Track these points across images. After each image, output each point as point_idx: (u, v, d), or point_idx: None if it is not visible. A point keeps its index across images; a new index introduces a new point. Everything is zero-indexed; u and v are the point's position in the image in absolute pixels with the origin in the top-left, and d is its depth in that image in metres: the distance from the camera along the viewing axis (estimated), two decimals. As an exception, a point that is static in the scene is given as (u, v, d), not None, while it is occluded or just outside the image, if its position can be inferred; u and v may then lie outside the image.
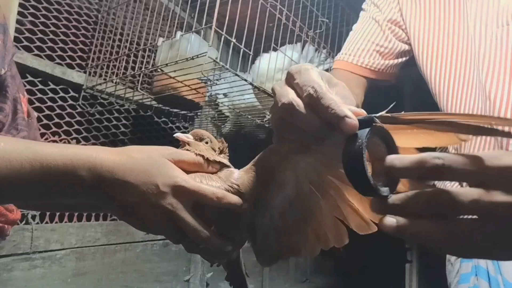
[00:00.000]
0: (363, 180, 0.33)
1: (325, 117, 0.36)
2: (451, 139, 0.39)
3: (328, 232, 0.49)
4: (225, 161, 0.51)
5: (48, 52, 1.27)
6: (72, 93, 1.33)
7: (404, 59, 0.93)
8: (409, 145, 0.40)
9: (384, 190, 0.33)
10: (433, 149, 0.35)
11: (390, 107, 0.36)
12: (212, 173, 0.49)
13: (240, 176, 0.48)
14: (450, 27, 0.82)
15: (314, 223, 0.50)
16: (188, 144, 0.50)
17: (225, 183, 0.47)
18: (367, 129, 0.34)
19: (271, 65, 1.32)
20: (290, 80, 0.40)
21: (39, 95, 1.23)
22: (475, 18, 0.76)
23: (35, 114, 0.97)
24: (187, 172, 0.46)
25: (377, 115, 0.35)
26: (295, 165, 0.48)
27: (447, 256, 0.86)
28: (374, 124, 0.35)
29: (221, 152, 0.52)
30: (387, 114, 0.36)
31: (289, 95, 0.38)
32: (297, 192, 0.49)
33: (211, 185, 0.46)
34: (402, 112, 0.36)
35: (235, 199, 0.46)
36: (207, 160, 0.48)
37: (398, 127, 0.37)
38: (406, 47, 0.91)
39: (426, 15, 0.86)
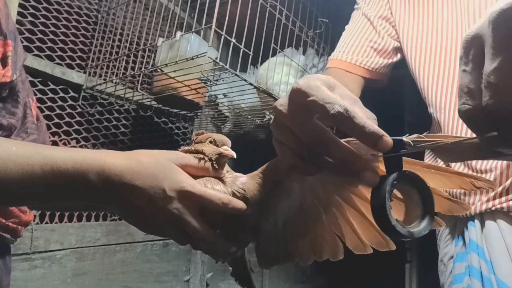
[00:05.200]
0: (386, 224, 0.36)
1: (359, 136, 0.37)
2: (466, 184, 0.43)
3: (325, 245, 0.50)
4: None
5: (48, 52, 1.27)
6: (72, 93, 1.33)
7: (396, 58, 0.94)
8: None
9: (405, 232, 0.36)
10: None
11: (426, 133, 0.38)
12: (219, 177, 0.49)
13: (246, 181, 0.49)
14: (439, 23, 0.83)
15: (313, 234, 0.51)
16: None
17: (231, 188, 0.47)
18: (393, 176, 0.37)
19: (275, 68, 1.32)
20: (301, 97, 0.38)
21: (39, 95, 1.23)
22: (468, 12, 0.77)
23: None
24: (194, 176, 0.47)
25: (405, 137, 0.37)
26: (303, 178, 0.49)
27: (440, 256, 0.87)
28: (401, 171, 0.37)
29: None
30: (414, 135, 0.37)
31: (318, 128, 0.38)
32: (301, 203, 0.50)
33: (217, 190, 0.46)
34: (425, 133, 0.38)
35: (240, 204, 0.46)
36: (204, 159, 0.48)
37: (416, 166, 0.41)
38: (397, 44, 0.92)
39: (415, 11, 0.87)
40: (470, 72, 0.32)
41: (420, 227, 0.38)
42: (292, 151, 0.41)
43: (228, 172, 0.51)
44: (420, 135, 0.37)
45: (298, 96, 0.38)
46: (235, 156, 0.49)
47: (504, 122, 0.30)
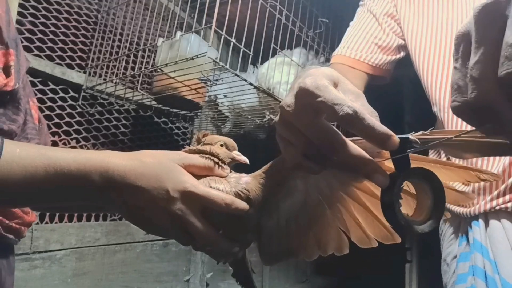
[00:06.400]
0: (397, 223, 0.38)
1: (368, 137, 0.37)
2: (471, 177, 0.44)
3: (330, 240, 0.51)
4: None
5: (48, 52, 1.27)
6: (72, 93, 1.33)
7: (400, 55, 0.94)
8: None
9: (420, 228, 0.38)
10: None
11: (431, 128, 0.39)
12: (222, 176, 0.49)
13: (249, 181, 0.49)
14: (443, 21, 0.83)
15: (317, 229, 0.51)
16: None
17: (234, 188, 0.48)
18: (402, 177, 0.38)
19: (275, 68, 1.32)
20: (308, 98, 0.37)
21: (39, 95, 1.23)
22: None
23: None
24: (197, 176, 0.47)
25: (410, 135, 0.38)
26: (307, 175, 0.49)
27: (443, 256, 0.87)
28: (409, 168, 0.39)
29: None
30: (419, 133, 0.38)
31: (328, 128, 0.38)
32: (304, 200, 0.50)
33: (220, 190, 0.46)
34: (430, 130, 0.38)
35: (243, 205, 0.47)
36: (218, 163, 0.49)
37: (422, 162, 0.42)
38: (402, 42, 0.92)
39: (421, 9, 0.87)
40: (459, 68, 0.32)
41: (430, 222, 0.39)
42: (298, 149, 0.41)
43: (231, 172, 0.51)
44: (425, 132, 0.38)
45: (305, 96, 0.38)
46: (248, 162, 0.49)
47: (488, 116, 0.30)
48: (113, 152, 0.46)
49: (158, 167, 0.44)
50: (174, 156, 0.47)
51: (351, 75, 0.89)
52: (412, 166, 0.38)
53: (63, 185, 0.43)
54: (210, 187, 0.46)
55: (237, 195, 0.47)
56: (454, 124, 0.78)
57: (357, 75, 0.91)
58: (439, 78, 0.81)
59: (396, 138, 0.36)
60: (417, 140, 0.37)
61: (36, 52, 1.23)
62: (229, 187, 0.47)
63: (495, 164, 0.72)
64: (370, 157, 0.39)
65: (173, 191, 0.44)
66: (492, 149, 0.37)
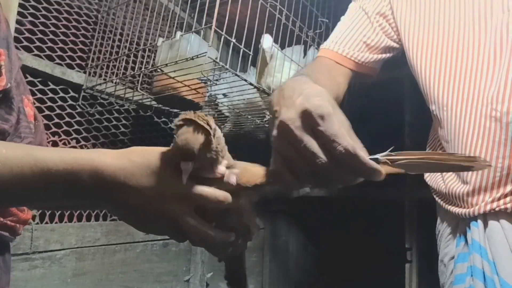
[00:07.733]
0: None
1: (358, 171, 0.43)
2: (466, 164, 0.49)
3: None
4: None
5: (48, 52, 1.27)
6: (72, 93, 1.33)
7: (387, 55, 0.94)
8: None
9: None
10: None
11: (390, 149, 0.46)
12: (215, 173, 0.49)
13: (239, 175, 0.48)
14: (440, 18, 0.82)
15: None
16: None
17: (225, 187, 0.47)
18: None
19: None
20: (312, 123, 0.42)
21: (38, 95, 1.23)
22: (473, 8, 0.76)
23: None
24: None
25: (379, 155, 0.45)
26: None
27: (440, 256, 0.87)
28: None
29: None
30: (385, 153, 0.45)
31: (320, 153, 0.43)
32: None
33: (212, 187, 0.46)
34: (389, 150, 0.45)
35: (235, 201, 0.46)
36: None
37: (420, 156, 0.48)
38: (392, 43, 0.92)
39: (417, 6, 0.87)
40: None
41: None
42: (290, 169, 0.45)
43: (225, 161, 0.50)
44: (390, 153, 0.45)
45: (311, 122, 0.42)
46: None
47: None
48: (102, 150, 0.45)
49: (148, 166, 0.44)
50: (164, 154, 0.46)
51: (336, 72, 0.89)
52: (411, 160, 0.45)
53: (51, 185, 0.42)
54: (202, 184, 0.45)
55: (227, 190, 0.46)
56: (453, 122, 0.77)
57: (341, 71, 0.90)
58: (437, 76, 0.80)
59: (383, 172, 0.43)
60: (387, 161, 0.44)
61: (36, 52, 1.23)
62: (221, 184, 0.46)
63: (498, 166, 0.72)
64: (372, 162, 0.43)
65: (165, 191, 0.43)
66: (447, 168, 0.45)
